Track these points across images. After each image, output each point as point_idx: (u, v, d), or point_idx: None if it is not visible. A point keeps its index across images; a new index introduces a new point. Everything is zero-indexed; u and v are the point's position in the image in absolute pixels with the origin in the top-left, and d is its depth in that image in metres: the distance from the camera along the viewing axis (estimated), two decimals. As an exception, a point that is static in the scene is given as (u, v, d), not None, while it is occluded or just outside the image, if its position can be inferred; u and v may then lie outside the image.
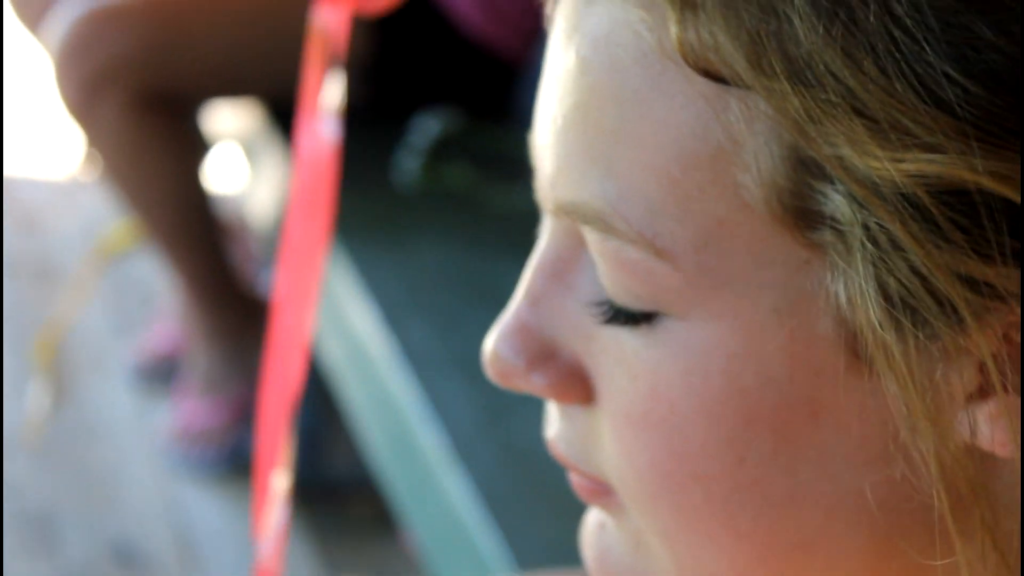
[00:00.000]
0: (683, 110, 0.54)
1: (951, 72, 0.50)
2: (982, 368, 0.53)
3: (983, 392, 0.54)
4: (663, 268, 0.55)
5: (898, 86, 0.50)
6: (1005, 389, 0.53)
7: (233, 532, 2.63)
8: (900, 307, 0.52)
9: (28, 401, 2.84)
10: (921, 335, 0.52)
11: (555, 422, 0.62)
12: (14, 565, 2.54)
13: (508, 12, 2.56)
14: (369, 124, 2.37)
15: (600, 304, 0.57)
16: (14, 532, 2.61)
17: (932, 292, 0.51)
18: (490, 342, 0.61)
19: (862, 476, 0.55)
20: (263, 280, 2.78)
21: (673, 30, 0.53)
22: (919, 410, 0.53)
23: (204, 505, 2.69)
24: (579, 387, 0.60)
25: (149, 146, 2.47)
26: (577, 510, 0.67)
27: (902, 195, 0.51)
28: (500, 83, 2.60)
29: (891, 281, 0.52)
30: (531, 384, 0.60)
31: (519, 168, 2.38)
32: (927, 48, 0.50)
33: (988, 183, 0.50)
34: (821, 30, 0.51)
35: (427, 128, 2.44)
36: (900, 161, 0.50)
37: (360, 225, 2.23)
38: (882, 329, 0.52)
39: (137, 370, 2.97)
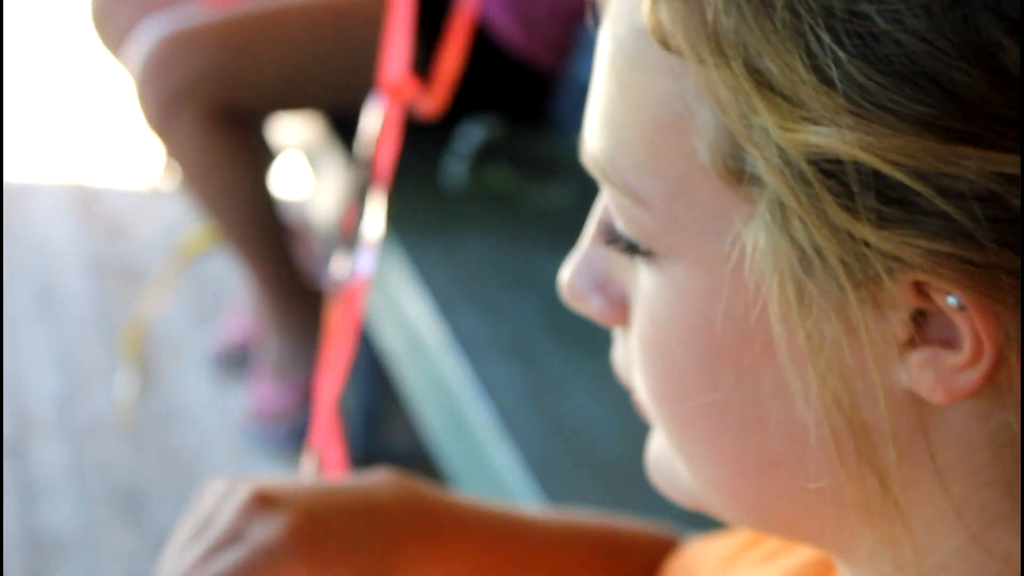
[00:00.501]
0: (656, 80, 0.57)
1: (840, 53, 0.51)
2: (912, 320, 0.55)
3: (913, 342, 0.55)
4: (644, 215, 0.58)
5: (798, 65, 0.52)
6: (926, 340, 0.55)
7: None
8: (813, 262, 0.54)
9: (117, 388, 2.85)
10: (836, 287, 0.54)
11: (616, 346, 0.66)
12: (109, 535, 2.56)
13: (544, 29, 2.56)
14: (420, 132, 2.37)
15: (617, 239, 0.61)
16: (108, 506, 2.62)
17: (832, 251, 0.54)
18: (564, 272, 0.65)
19: (813, 411, 0.57)
20: (325, 276, 2.78)
21: (645, 6, 0.56)
22: (844, 354, 0.55)
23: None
24: (621, 312, 0.63)
25: (222, 157, 2.47)
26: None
27: (793, 164, 0.53)
28: (537, 93, 2.60)
29: (801, 238, 0.54)
30: (590, 307, 0.64)
31: (555, 170, 2.39)
32: (822, 30, 0.52)
33: (861, 155, 0.52)
34: (741, 9, 0.53)
35: (472, 135, 2.44)
36: (794, 132, 0.52)
37: (413, 223, 2.23)
38: (801, 281, 0.55)
39: (215, 358, 2.98)
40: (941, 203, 0.52)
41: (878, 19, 0.51)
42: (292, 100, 2.53)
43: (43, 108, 4.18)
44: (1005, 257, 0.52)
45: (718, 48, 0.53)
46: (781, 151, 0.53)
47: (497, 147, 2.44)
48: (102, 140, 3.98)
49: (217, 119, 2.44)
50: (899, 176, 0.52)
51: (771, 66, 0.52)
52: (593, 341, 1.93)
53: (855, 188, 0.52)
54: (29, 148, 3.94)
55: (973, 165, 0.51)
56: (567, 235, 2.11)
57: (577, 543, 0.93)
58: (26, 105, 4.18)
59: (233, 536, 0.81)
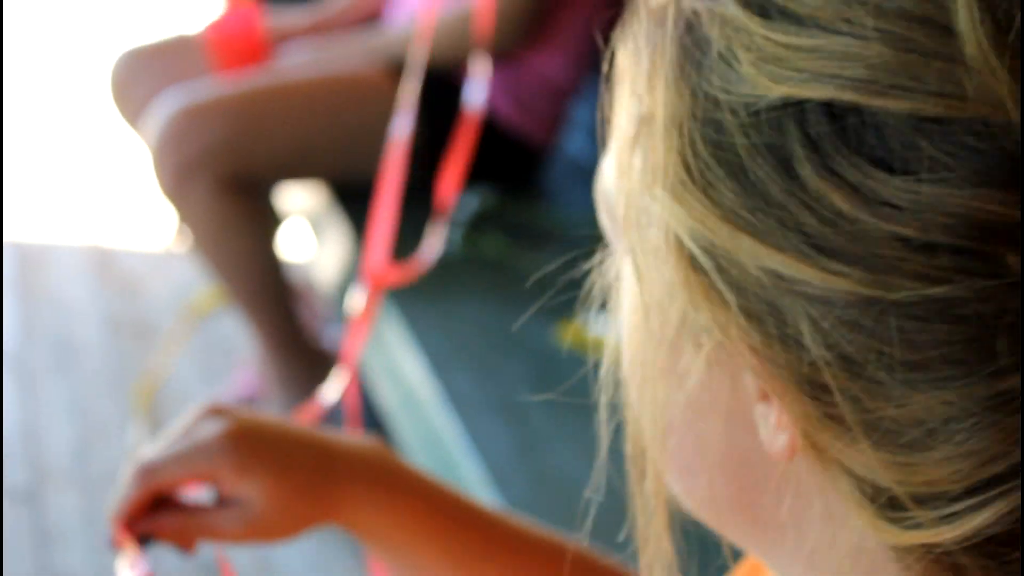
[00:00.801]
0: None
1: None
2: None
3: (763, 396, 0.56)
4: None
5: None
6: (765, 396, 0.55)
7: (305, 546, 2.62)
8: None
9: (129, 440, 2.84)
10: (700, 341, 0.56)
11: None
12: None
13: (536, 107, 2.57)
14: (418, 200, 2.37)
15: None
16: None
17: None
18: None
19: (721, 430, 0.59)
20: (328, 336, 2.78)
21: None
22: (721, 400, 0.57)
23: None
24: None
25: (232, 223, 2.48)
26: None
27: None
28: (529, 166, 2.61)
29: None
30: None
31: (545, 238, 2.39)
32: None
33: (673, 225, 0.55)
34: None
35: (467, 204, 2.45)
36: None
37: (410, 287, 2.23)
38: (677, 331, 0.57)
39: (222, 412, 2.97)
40: (718, 280, 0.53)
41: (727, 114, 0.53)
42: (298, 170, 2.54)
43: (64, 173, 4.19)
44: (773, 348, 0.53)
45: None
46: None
47: (491, 216, 2.44)
48: (119, 204, 3.98)
49: (228, 188, 2.45)
50: (694, 250, 0.54)
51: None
52: (580, 402, 1.93)
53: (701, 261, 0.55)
54: (50, 211, 3.95)
55: (747, 253, 0.53)
56: (556, 301, 2.11)
57: (540, 549, 0.94)
58: (48, 170, 4.19)
59: (182, 434, 0.91)
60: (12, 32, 5.36)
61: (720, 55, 0.54)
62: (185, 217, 2.51)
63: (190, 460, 0.89)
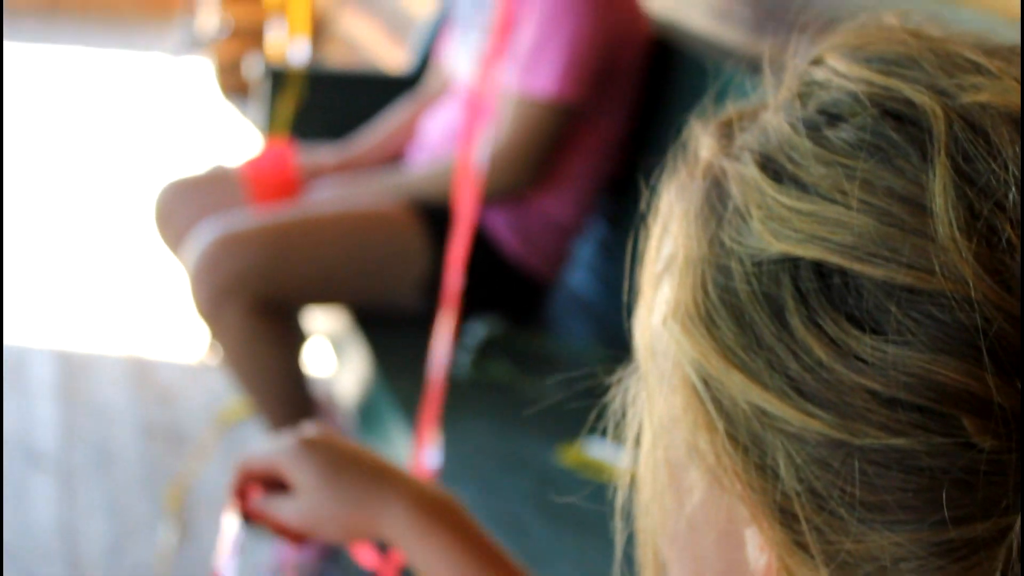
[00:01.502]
0: None
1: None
2: None
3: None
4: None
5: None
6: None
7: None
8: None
9: (159, 539, 2.80)
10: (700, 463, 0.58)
11: None
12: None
13: (541, 243, 2.56)
14: (430, 328, 2.37)
15: None
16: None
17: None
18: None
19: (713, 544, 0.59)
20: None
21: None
22: (719, 519, 0.58)
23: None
24: None
25: (262, 342, 2.47)
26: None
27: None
28: (534, 298, 2.60)
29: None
30: None
31: (549, 365, 2.38)
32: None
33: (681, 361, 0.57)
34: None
35: (476, 332, 2.43)
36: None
37: (420, 407, 2.21)
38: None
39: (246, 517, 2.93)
40: (712, 409, 0.55)
41: (735, 262, 0.56)
42: (324, 296, 2.53)
43: (108, 289, 4.19)
44: (753, 475, 0.55)
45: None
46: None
47: (498, 343, 2.43)
48: (157, 318, 3.98)
49: (259, 311, 2.44)
50: (695, 379, 0.56)
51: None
52: (578, 519, 1.92)
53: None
54: (94, 323, 3.94)
55: (737, 387, 0.54)
56: (558, 424, 2.10)
57: None
58: (94, 285, 4.20)
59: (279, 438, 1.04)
60: (70, 156, 5.40)
61: (737, 209, 0.57)
62: (218, 336, 2.50)
63: (269, 454, 1.03)
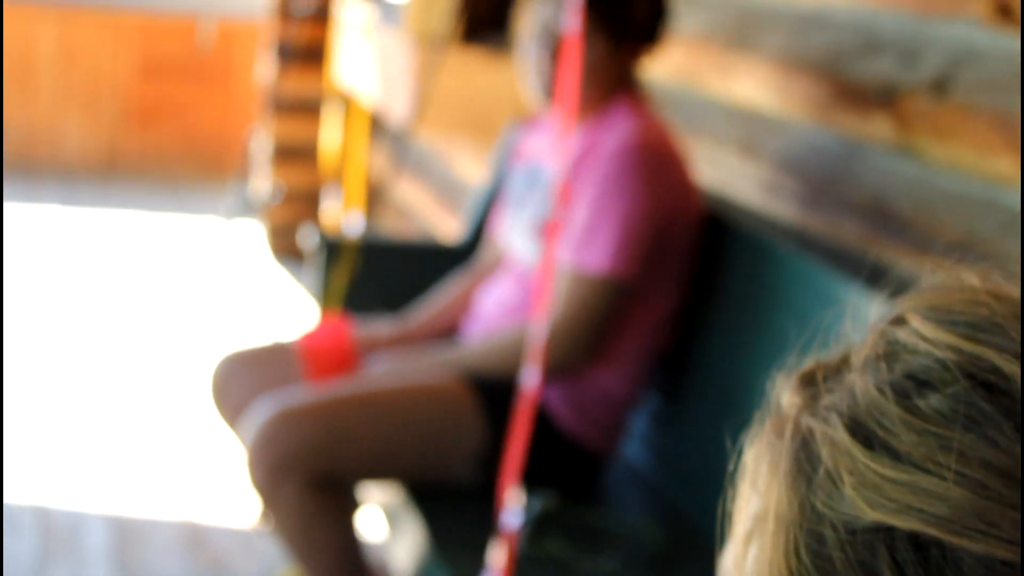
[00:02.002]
0: None
1: None
2: None
3: None
4: None
5: None
6: None
7: None
8: None
9: None
10: None
11: None
12: None
13: (595, 417, 2.57)
14: (486, 503, 2.37)
15: None
16: None
17: None
18: None
19: None
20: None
21: None
22: None
23: None
24: None
25: (317, 517, 2.46)
26: None
27: None
28: (589, 470, 2.60)
29: None
30: None
31: (604, 541, 2.37)
32: None
33: None
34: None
35: (531, 506, 2.43)
36: None
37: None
38: None
39: None
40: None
41: (828, 528, 0.56)
42: (380, 471, 2.53)
43: (164, 456, 4.21)
44: None
45: None
46: None
47: (553, 518, 2.42)
48: (211, 485, 3.99)
49: (315, 486, 2.44)
50: None
51: None
52: None
53: None
54: (149, 489, 3.96)
55: None
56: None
57: None
58: (150, 452, 4.22)
59: None
60: (126, 320, 5.46)
61: (828, 474, 0.57)
62: (273, 509, 2.50)
63: None
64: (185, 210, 7.70)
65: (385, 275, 3.46)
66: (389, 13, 5.35)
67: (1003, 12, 2.12)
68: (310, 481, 2.43)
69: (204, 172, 8.57)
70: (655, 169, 2.49)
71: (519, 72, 2.80)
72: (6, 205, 7.38)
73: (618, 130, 2.52)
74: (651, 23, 2.64)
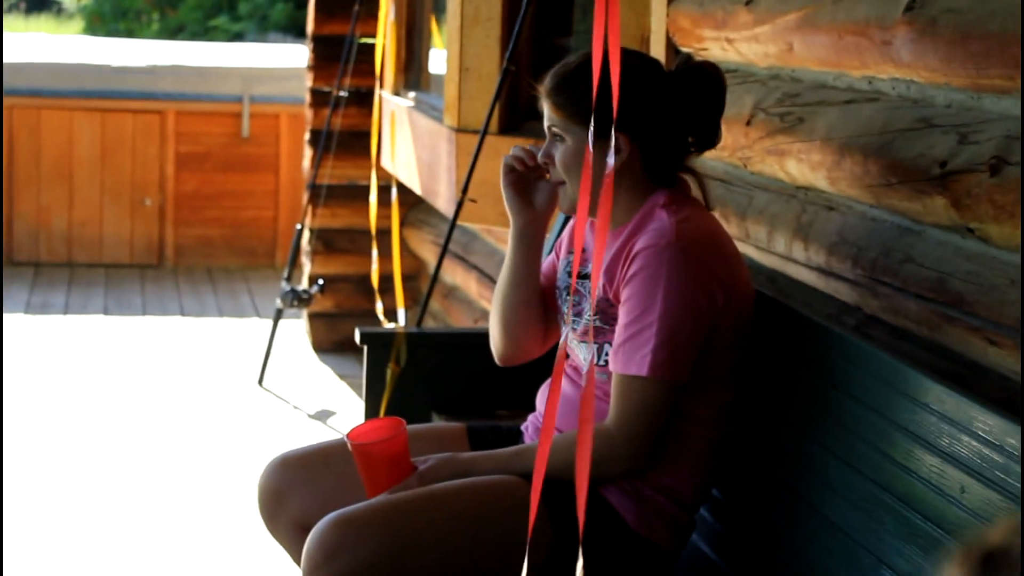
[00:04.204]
0: None
1: None
2: None
3: None
4: None
5: None
6: None
7: None
8: None
9: None
10: None
11: None
12: None
13: (660, 514, 2.53)
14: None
15: None
16: None
17: None
18: None
19: None
20: None
21: None
22: None
23: None
24: None
25: None
26: None
27: None
28: (659, 568, 2.55)
29: None
30: None
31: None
32: None
33: None
34: None
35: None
36: None
37: None
38: None
39: None
40: None
41: None
42: (444, 576, 2.49)
43: (206, 567, 4.19)
44: None
45: None
46: None
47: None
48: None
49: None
50: None
51: None
52: None
53: None
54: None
55: None
56: None
57: None
58: (193, 568, 4.20)
59: None
60: (175, 433, 5.47)
61: None
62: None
63: None
64: (232, 300, 7.73)
65: (433, 366, 3.45)
66: (430, 102, 5.38)
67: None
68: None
69: (250, 262, 8.62)
70: (696, 267, 2.46)
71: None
72: (54, 311, 7.44)
73: (655, 227, 2.49)
74: (675, 119, 2.59)
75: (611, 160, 1.78)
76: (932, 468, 2.11)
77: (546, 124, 2.59)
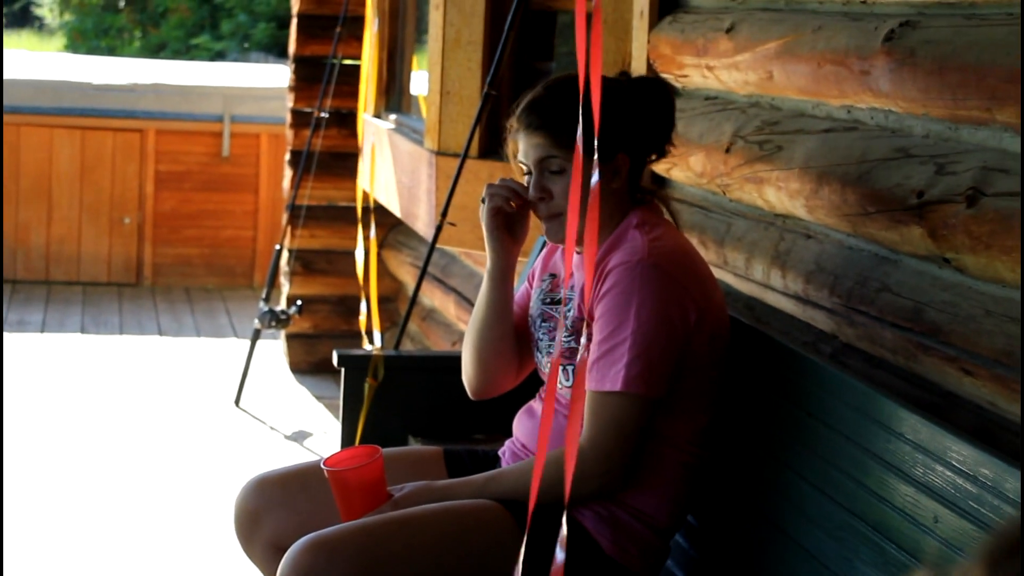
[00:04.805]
0: None
1: None
2: None
3: None
4: None
5: None
6: None
7: None
8: None
9: None
10: None
11: None
12: None
13: (633, 535, 2.54)
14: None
15: None
16: None
17: None
18: None
19: None
20: None
21: None
22: None
23: None
24: None
25: None
26: None
27: None
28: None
29: None
30: None
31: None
32: None
33: None
34: None
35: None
36: None
37: None
38: None
39: None
40: None
41: None
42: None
43: (189, 578, 4.18)
44: None
45: None
46: None
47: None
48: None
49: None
50: None
51: None
52: None
53: None
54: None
55: None
56: None
57: None
58: (174, 576, 4.19)
59: None
60: (151, 452, 5.45)
61: None
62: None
63: None
64: (210, 321, 7.72)
65: (407, 387, 3.45)
66: (411, 125, 5.39)
67: (1036, 120, 2.12)
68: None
69: (230, 281, 8.61)
70: (668, 284, 2.47)
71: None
72: (30, 329, 7.41)
73: (628, 246, 2.51)
74: (650, 135, 2.64)
75: (595, 179, 1.78)
76: (906, 497, 2.12)
77: (534, 157, 2.57)
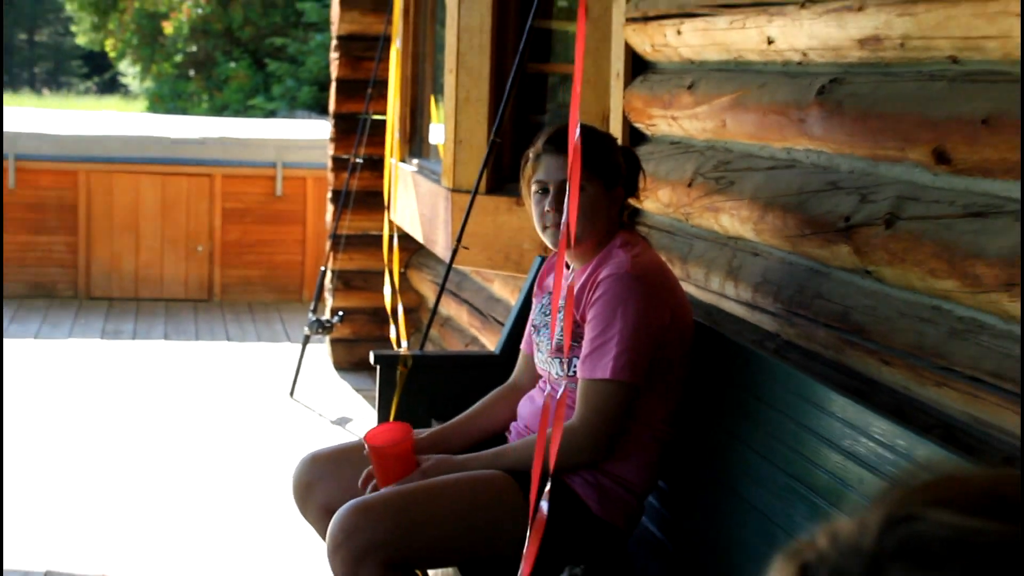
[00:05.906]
0: None
1: None
2: None
3: None
4: None
5: None
6: None
7: None
8: None
9: None
10: None
11: None
12: None
13: (616, 498, 2.54)
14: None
15: None
16: None
17: None
18: None
19: None
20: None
21: None
22: None
23: None
24: None
25: None
26: None
27: None
28: (613, 545, 2.56)
29: None
30: None
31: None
32: None
33: None
34: None
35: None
36: None
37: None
38: None
39: None
40: None
41: None
42: (444, 555, 2.49)
43: (249, 555, 4.17)
44: None
45: None
46: None
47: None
48: None
49: (391, 572, 2.39)
50: None
51: None
52: None
53: None
54: None
55: None
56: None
57: None
58: (235, 553, 4.18)
59: None
60: (218, 438, 5.44)
61: None
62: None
63: None
64: (267, 331, 7.71)
65: (433, 383, 3.45)
66: (430, 167, 5.40)
67: (940, 158, 2.13)
68: (387, 567, 2.38)
69: (284, 296, 8.61)
70: (648, 292, 2.49)
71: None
72: (124, 337, 7.41)
73: (615, 261, 2.52)
74: (630, 174, 2.67)
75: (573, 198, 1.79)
76: (836, 464, 2.13)
77: (558, 177, 2.57)
